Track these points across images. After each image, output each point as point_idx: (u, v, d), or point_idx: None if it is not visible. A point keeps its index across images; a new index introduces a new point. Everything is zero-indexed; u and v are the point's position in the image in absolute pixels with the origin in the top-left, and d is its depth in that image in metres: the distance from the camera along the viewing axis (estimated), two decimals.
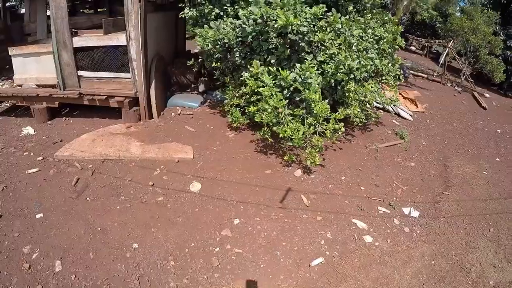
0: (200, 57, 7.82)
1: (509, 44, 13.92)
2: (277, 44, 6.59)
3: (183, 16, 7.64)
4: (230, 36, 6.68)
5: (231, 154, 6.76)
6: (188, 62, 8.07)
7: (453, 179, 6.73)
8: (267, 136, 6.57)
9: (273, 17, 5.92)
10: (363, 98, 7.11)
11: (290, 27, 5.85)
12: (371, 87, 7.08)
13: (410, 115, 9.74)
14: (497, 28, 13.97)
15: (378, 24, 7.84)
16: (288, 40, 6.48)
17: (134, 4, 6.92)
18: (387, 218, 5.31)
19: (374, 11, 8.19)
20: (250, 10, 6.30)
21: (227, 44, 6.83)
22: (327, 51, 6.56)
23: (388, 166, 6.88)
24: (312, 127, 6.18)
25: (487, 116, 11.27)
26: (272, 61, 6.73)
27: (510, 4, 14.85)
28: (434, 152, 7.85)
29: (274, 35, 6.45)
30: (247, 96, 7.21)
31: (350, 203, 5.58)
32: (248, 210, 5.34)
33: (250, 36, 6.59)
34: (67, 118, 7.92)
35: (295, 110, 6.35)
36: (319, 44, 6.66)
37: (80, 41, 7.25)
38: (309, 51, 6.75)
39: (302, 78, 6.08)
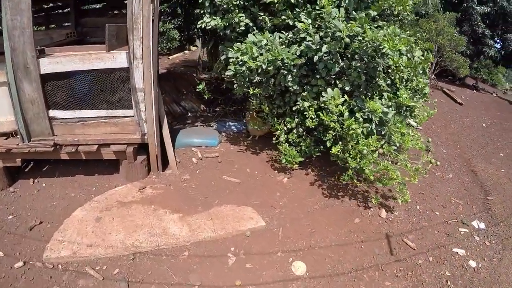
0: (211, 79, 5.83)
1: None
2: (353, 67, 4.94)
3: (202, 26, 5.22)
4: (287, 55, 4.81)
5: (303, 207, 4.91)
6: (197, 87, 5.90)
7: (486, 183, 6.45)
8: (355, 181, 5.15)
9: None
10: None
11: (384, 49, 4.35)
12: None
13: (416, 122, 8.90)
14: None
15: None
16: (371, 66, 4.90)
17: (144, 5, 4.46)
18: (470, 237, 4.95)
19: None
20: (334, 24, 4.49)
21: (279, 65, 4.76)
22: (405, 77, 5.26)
23: (437, 183, 6.27)
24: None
25: (467, 111, 11.45)
26: (347, 88, 4.95)
27: (462, 3, 15.45)
28: (456, 158, 7.41)
29: (360, 56, 4.79)
30: (301, 130, 5.45)
31: (439, 232, 4.96)
32: (372, 276, 4.16)
33: (317, 56, 4.78)
34: (36, 180, 5.15)
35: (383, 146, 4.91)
36: (394, 68, 5.21)
37: (52, 65, 4.59)
38: (385, 76, 5.26)
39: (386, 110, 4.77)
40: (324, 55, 4.58)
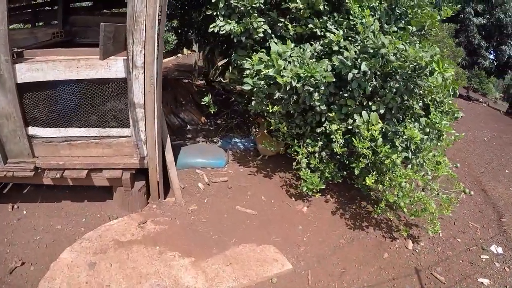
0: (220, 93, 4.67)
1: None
2: (389, 87, 3.92)
3: (215, 30, 4.04)
4: (321, 72, 3.68)
5: (329, 242, 4.01)
6: (202, 101, 4.84)
7: (498, 203, 5.76)
8: (389, 215, 4.27)
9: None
10: None
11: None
12: None
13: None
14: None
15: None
16: (411, 87, 3.89)
17: (149, 1, 3.30)
18: (491, 264, 4.33)
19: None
20: (379, 40, 3.44)
21: (313, 82, 3.65)
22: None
23: (454, 206, 5.23)
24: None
25: (467, 124, 10.53)
26: (382, 111, 3.89)
27: (458, 15, 14.59)
28: (466, 177, 6.69)
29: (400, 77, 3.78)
30: (324, 154, 4.39)
31: (463, 261, 4.29)
32: None
33: (351, 74, 3.70)
34: (15, 205, 4.02)
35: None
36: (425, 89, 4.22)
37: (31, 72, 3.44)
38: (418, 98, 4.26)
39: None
40: (361, 73, 3.52)
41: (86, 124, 3.86)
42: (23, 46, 4.27)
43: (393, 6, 4.37)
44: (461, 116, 4.76)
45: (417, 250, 4.18)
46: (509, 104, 16.58)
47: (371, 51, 3.55)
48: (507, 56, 15.43)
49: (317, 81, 3.53)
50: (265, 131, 4.67)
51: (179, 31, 6.83)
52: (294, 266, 3.54)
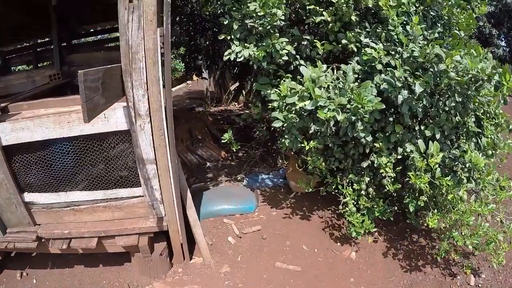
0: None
1: None
2: (443, 107, 2.75)
3: (231, 57, 2.88)
4: (370, 98, 2.54)
5: None
6: (222, 138, 3.67)
7: None
8: (453, 256, 3.06)
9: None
10: None
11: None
12: None
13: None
14: None
15: None
16: (467, 103, 2.73)
17: (146, 31, 2.25)
18: None
19: None
20: (435, 53, 2.35)
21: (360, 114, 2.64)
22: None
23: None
24: None
25: None
26: (437, 136, 2.77)
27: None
28: None
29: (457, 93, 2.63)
30: (371, 190, 3.21)
31: None
32: None
33: (401, 96, 2.58)
34: (24, 272, 3.06)
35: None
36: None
37: (16, 132, 2.42)
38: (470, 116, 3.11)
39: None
40: (415, 95, 2.36)
41: (89, 186, 2.74)
42: (19, 92, 3.25)
43: (429, 8, 3.19)
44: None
45: (479, 285, 3.07)
46: None
47: (422, 65, 2.39)
48: None
49: (365, 109, 2.37)
50: (297, 166, 3.48)
51: (187, 58, 5.67)
52: None
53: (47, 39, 5.33)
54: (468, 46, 2.95)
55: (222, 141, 3.45)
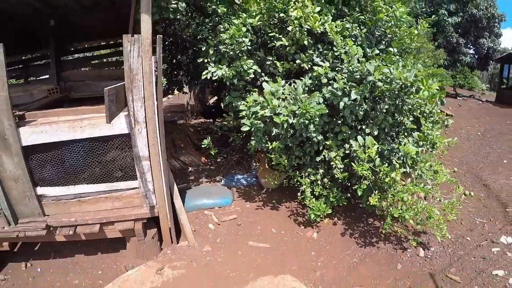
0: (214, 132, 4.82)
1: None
2: (379, 109, 4.11)
3: (207, 76, 4.22)
4: (315, 106, 3.84)
5: (343, 263, 4.13)
6: (202, 144, 4.96)
7: (500, 195, 5.93)
8: (397, 229, 4.46)
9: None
10: None
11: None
12: None
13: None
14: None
15: None
16: (400, 106, 4.09)
17: (144, 59, 3.50)
18: (503, 255, 4.42)
19: None
20: (364, 68, 3.69)
21: (309, 117, 3.81)
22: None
23: (459, 206, 5.34)
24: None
25: (459, 123, 10.93)
26: (375, 133, 4.08)
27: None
28: (466, 175, 6.91)
29: (389, 98, 3.98)
30: (326, 180, 4.53)
31: (475, 258, 4.36)
32: None
33: (342, 102, 3.89)
34: (28, 263, 4.04)
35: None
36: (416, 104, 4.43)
37: (36, 135, 3.54)
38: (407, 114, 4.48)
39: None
40: (352, 101, 3.70)
41: (94, 180, 3.92)
42: (18, 104, 4.38)
43: (372, 29, 4.59)
44: (451, 123, 4.92)
45: (428, 256, 4.29)
46: (496, 93, 17.14)
47: (358, 77, 3.74)
48: (486, 48, 16.45)
49: (311, 115, 3.68)
50: (266, 165, 4.78)
51: (169, 73, 7.01)
52: None
53: (38, 54, 6.61)
54: (406, 57, 4.35)
55: (202, 146, 4.71)
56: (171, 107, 10.52)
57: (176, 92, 7.62)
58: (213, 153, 4.73)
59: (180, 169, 5.87)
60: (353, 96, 3.70)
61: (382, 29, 4.67)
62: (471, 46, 16.82)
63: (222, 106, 5.32)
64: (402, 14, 4.47)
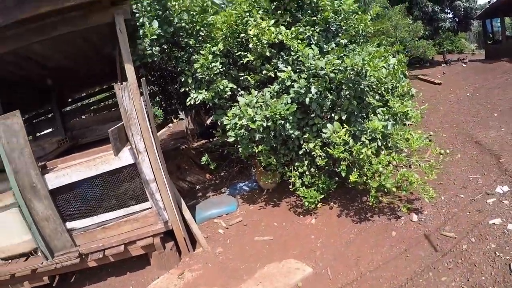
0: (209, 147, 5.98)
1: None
2: (343, 97, 5.17)
3: (191, 102, 5.43)
4: (282, 107, 4.90)
5: (341, 240, 5.05)
6: (201, 160, 6.09)
7: (493, 148, 6.74)
8: (381, 199, 5.37)
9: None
10: None
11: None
12: None
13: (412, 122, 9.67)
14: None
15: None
16: (359, 89, 5.15)
17: (135, 100, 4.64)
18: (499, 204, 5.06)
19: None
20: (316, 65, 4.75)
21: (278, 118, 4.94)
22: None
23: (450, 168, 6.48)
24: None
25: (448, 88, 12.33)
26: (343, 117, 5.11)
27: None
28: (457, 137, 7.82)
29: (346, 85, 5.02)
30: (313, 170, 5.60)
31: (470, 212, 5.04)
32: (427, 278, 4.23)
33: (307, 98, 5.00)
34: None
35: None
36: (377, 83, 5.46)
37: (59, 179, 4.67)
38: (373, 94, 5.51)
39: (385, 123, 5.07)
40: (314, 94, 4.75)
41: (113, 208, 5.08)
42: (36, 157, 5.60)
43: (326, 27, 5.65)
44: (415, 92, 5.84)
45: (422, 220, 5.12)
46: (484, 50, 19.42)
47: (315, 73, 4.82)
48: (463, 9, 17.97)
49: (282, 115, 4.77)
50: (261, 168, 5.90)
51: (163, 104, 8.26)
52: (314, 269, 4.57)
53: (42, 110, 7.99)
54: (364, 43, 5.40)
55: (202, 163, 5.87)
56: (173, 135, 11.93)
57: (174, 120, 8.86)
58: (212, 168, 5.88)
59: (188, 189, 7.03)
60: (313, 91, 4.75)
61: (337, 23, 5.73)
62: (449, 11, 18.29)
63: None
64: (349, 6, 5.51)
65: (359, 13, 5.97)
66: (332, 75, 4.71)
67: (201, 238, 5.33)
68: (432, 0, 17.18)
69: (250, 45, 5.21)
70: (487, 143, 6.96)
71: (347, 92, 4.98)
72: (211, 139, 8.83)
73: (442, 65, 16.99)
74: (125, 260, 5.28)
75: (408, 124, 6.08)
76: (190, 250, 5.34)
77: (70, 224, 4.98)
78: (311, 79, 4.89)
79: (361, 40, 6.06)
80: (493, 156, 6.45)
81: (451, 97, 11.28)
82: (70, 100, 8.71)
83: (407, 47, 14.07)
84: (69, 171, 4.77)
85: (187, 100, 5.40)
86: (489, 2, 18.96)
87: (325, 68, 4.68)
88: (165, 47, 5.73)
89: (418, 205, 5.41)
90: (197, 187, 7.21)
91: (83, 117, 8.69)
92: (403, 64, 5.66)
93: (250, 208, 6.17)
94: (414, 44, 14.28)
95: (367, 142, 4.97)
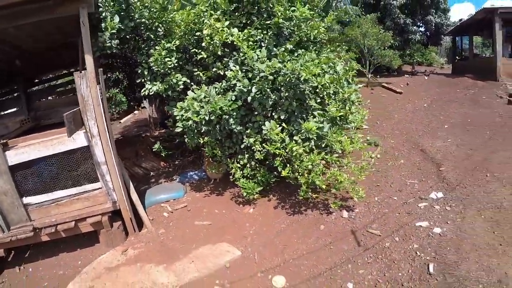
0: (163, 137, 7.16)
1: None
2: (284, 98, 6.32)
3: (146, 93, 6.62)
4: (224, 103, 6.07)
5: (272, 229, 6.21)
6: (153, 147, 7.30)
7: (436, 156, 8.06)
8: (311, 194, 6.47)
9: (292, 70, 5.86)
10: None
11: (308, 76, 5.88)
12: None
13: (364, 124, 11.03)
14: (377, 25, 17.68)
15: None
16: (298, 92, 6.29)
17: (91, 88, 5.74)
18: (430, 209, 6.06)
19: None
20: (257, 67, 5.90)
21: (219, 113, 6.11)
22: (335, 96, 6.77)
23: (391, 172, 7.78)
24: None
25: (407, 98, 14.27)
26: (282, 117, 6.28)
27: (380, 2, 19.97)
28: (405, 144, 9.12)
29: (286, 87, 6.17)
30: (253, 163, 6.79)
31: (400, 214, 6.06)
32: (346, 269, 5.16)
33: (250, 97, 6.13)
34: (21, 267, 6.18)
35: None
36: (321, 87, 6.56)
37: (18, 156, 5.79)
38: (315, 96, 6.65)
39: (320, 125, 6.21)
40: (257, 94, 5.90)
41: (66, 186, 6.21)
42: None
43: (280, 30, 6.78)
44: (355, 99, 7.00)
45: (352, 217, 6.28)
46: (452, 66, 23.37)
47: (258, 76, 5.96)
48: (434, 24, 21.13)
49: (224, 111, 5.92)
50: (209, 159, 7.09)
51: (128, 91, 9.44)
52: (243, 253, 5.75)
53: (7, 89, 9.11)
54: (310, 51, 6.57)
55: (153, 150, 7.05)
56: (138, 122, 13.28)
57: (141, 108, 10.03)
58: (164, 155, 7.06)
59: (143, 175, 8.23)
60: (254, 90, 5.91)
61: (291, 28, 6.88)
62: (421, 24, 21.42)
63: None
64: (301, 13, 6.63)
65: (316, 20, 7.11)
66: (270, 77, 5.85)
67: (146, 219, 6.51)
68: (405, 12, 20.06)
69: (203, 44, 6.35)
70: (431, 152, 8.26)
71: (286, 94, 6.12)
72: (170, 129, 10.07)
73: (405, 75, 20.05)
74: (77, 237, 6.43)
75: (355, 128, 7.23)
76: (136, 230, 6.51)
77: (26, 199, 6.12)
78: (255, 79, 6.02)
79: (313, 46, 7.20)
80: (434, 164, 7.71)
81: (408, 106, 13.04)
82: (37, 80, 9.88)
83: (374, 55, 16.25)
84: (28, 150, 5.90)
85: (142, 91, 6.58)
86: (460, 20, 22.57)
87: (265, 70, 5.80)
88: (129, 37, 6.84)
89: (351, 203, 6.62)
90: (151, 173, 8.46)
91: (50, 98, 9.82)
92: (349, 71, 6.81)
93: (196, 195, 7.41)
94: (381, 53, 16.36)
95: (300, 141, 6.11)
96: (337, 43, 9.21)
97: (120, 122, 13.98)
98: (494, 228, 5.37)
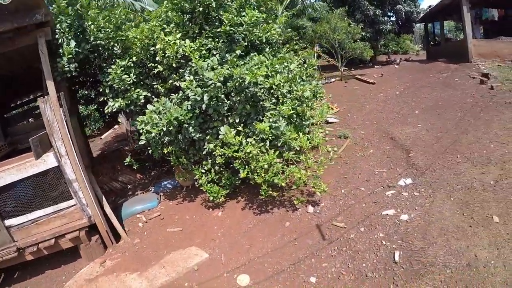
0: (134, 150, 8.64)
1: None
2: (237, 102, 7.60)
3: (109, 110, 8.09)
4: (181, 112, 7.43)
5: (239, 230, 7.42)
6: (125, 161, 8.76)
7: (405, 143, 9.22)
8: (271, 193, 7.61)
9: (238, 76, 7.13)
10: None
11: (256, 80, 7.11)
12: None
13: (335, 118, 12.84)
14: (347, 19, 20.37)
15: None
16: (249, 95, 7.55)
17: (55, 112, 7.17)
18: (398, 196, 7.02)
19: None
20: (206, 76, 7.18)
21: (176, 124, 7.45)
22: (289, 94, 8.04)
23: (359, 163, 9.00)
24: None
25: (380, 88, 16.11)
26: (237, 120, 7.59)
27: None
28: (374, 134, 10.38)
29: (236, 92, 7.45)
30: (217, 167, 8.14)
31: (366, 204, 7.07)
32: (309, 263, 6.05)
33: (204, 104, 7.45)
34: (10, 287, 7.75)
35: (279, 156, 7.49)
36: (275, 87, 7.80)
37: None
38: (268, 98, 7.92)
39: (275, 124, 7.38)
40: (211, 101, 7.26)
41: (43, 205, 7.71)
42: None
43: (230, 37, 8.13)
44: (309, 95, 8.26)
45: (317, 211, 7.45)
46: (426, 52, 27.66)
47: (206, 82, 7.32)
48: (404, 12, 24.42)
49: (181, 120, 7.31)
50: (179, 167, 8.53)
51: (101, 109, 10.99)
52: (210, 255, 7.07)
53: None
54: (262, 54, 7.94)
55: (125, 163, 8.50)
56: (118, 137, 15.12)
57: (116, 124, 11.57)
58: (135, 168, 8.55)
59: (121, 188, 9.77)
60: (205, 98, 7.28)
61: (243, 34, 8.22)
62: (392, 14, 24.68)
63: None
64: (251, 18, 7.93)
65: (270, 22, 8.45)
66: (218, 84, 7.18)
67: (122, 231, 8.00)
68: (374, 4, 22.99)
69: (157, 58, 7.78)
70: (401, 139, 9.53)
71: (238, 98, 7.46)
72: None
73: (380, 66, 23.08)
74: (59, 253, 7.89)
75: (318, 123, 8.45)
76: (113, 242, 8.00)
77: (8, 222, 7.59)
78: (207, 87, 7.38)
79: (269, 48, 8.53)
80: (404, 151, 8.93)
81: (380, 96, 14.68)
82: (13, 105, 11.55)
83: (344, 48, 18.59)
84: (3, 174, 7.42)
85: (105, 108, 8.06)
86: (429, 6, 25.56)
87: (213, 78, 7.12)
88: (89, 58, 8.32)
89: (317, 198, 7.86)
90: (129, 186, 10.01)
91: (31, 120, 11.44)
92: (308, 68, 8.12)
93: (169, 203, 8.96)
94: (351, 45, 18.53)
95: (254, 142, 7.43)
96: (294, 42, 10.59)
97: (101, 138, 15.83)
98: (463, 210, 6.14)
